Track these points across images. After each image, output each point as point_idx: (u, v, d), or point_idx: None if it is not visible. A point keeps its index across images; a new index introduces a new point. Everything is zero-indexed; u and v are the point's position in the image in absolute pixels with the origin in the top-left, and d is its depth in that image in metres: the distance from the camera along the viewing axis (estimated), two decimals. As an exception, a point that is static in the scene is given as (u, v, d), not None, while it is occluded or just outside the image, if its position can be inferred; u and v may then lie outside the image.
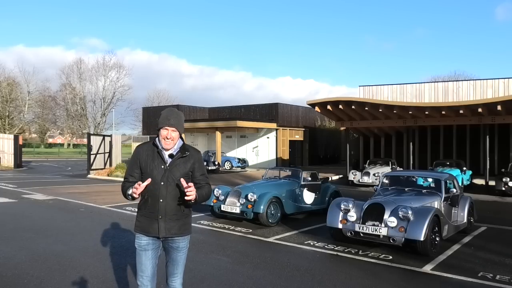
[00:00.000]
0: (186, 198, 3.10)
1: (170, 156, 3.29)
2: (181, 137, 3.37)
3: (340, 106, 18.81)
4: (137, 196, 3.12)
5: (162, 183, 3.21)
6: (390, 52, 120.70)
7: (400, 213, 6.56)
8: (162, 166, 3.25)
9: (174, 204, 3.25)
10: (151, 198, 3.24)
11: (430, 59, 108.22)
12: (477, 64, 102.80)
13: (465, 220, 8.24)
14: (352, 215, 6.99)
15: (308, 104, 20.42)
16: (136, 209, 3.42)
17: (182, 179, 3.14)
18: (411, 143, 21.48)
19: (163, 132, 3.26)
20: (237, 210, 9.08)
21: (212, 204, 9.56)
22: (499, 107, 15.18)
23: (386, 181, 8.70)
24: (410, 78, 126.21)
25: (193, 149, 3.43)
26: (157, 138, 3.35)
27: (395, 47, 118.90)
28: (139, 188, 3.07)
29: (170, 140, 3.25)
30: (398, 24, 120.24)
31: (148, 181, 3.11)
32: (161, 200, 3.21)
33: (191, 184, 3.13)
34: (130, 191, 3.17)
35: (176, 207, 3.26)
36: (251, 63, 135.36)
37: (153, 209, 3.23)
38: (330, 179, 19.67)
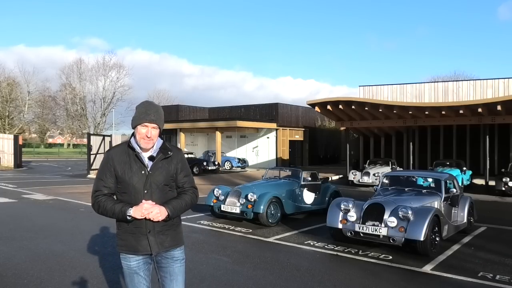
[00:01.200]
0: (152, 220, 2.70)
1: (151, 158, 2.81)
2: (160, 136, 2.88)
3: (340, 106, 18.82)
4: (141, 218, 2.68)
5: (145, 191, 2.74)
6: (392, 51, 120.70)
7: (400, 213, 6.56)
8: (143, 172, 2.76)
9: None
10: None
11: (431, 59, 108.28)
12: (477, 64, 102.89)
13: (465, 220, 8.24)
14: (352, 215, 6.99)
15: (308, 104, 20.43)
16: (117, 226, 2.88)
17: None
18: (411, 143, 21.48)
19: (141, 130, 2.74)
20: (237, 210, 9.08)
21: (212, 204, 9.56)
22: (499, 107, 15.18)
23: (386, 181, 8.70)
24: (412, 77, 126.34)
25: (175, 148, 2.97)
26: (132, 139, 2.83)
27: (397, 46, 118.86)
28: (150, 207, 2.66)
29: (150, 139, 2.76)
30: (401, 22, 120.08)
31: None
32: None
33: (146, 203, 2.69)
34: (130, 211, 2.67)
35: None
36: (252, 63, 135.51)
37: (138, 223, 2.74)
38: (330, 179, 19.68)
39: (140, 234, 2.76)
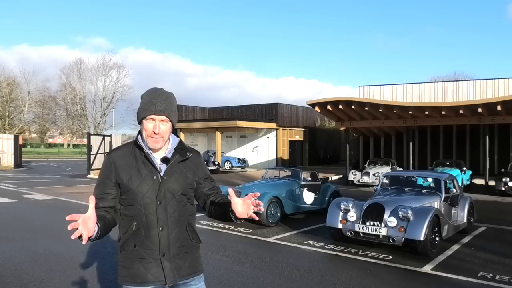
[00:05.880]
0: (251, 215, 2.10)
1: (164, 160, 2.22)
2: (174, 132, 2.30)
3: (340, 106, 18.81)
4: (89, 237, 2.04)
5: (158, 202, 2.15)
6: (394, 52, 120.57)
7: (400, 213, 6.57)
8: (155, 177, 2.17)
9: (179, 231, 2.20)
10: (144, 228, 2.14)
11: (434, 58, 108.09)
12: (477, 64, 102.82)
13: (465, 220, 8.24)
14: (352, 215, 6.99)
15: (308, 104, 20.42)
16: (119, 249, 2.21)
17: (231, 190, 2.14)
18: (411, 143, 21.48)
19: (147, 125, 2.14)
20: (237, 210, 9.07)
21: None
22: (499, 107, 15.18)
23: (386, 181, 8.70)
24: (412, 78, 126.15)
25: (193, 149, 2.39)
26: (139, 136, 2.23)
27: (400, 47, 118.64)
28: (86, 217, 2.02)
29: (159, 137, 2.15)
30: (408, 23, 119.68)
31: (92, 201, 2.06)
32: (160, 229, 2.15)
33: (244, 198, 2.11)
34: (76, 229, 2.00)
35: (183, 235, 2.22)
36: (255, 63, 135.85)
37: (150, 244, 2.14)
38: (330, 179, 19.67)
39: (151, 259, 2.14)
